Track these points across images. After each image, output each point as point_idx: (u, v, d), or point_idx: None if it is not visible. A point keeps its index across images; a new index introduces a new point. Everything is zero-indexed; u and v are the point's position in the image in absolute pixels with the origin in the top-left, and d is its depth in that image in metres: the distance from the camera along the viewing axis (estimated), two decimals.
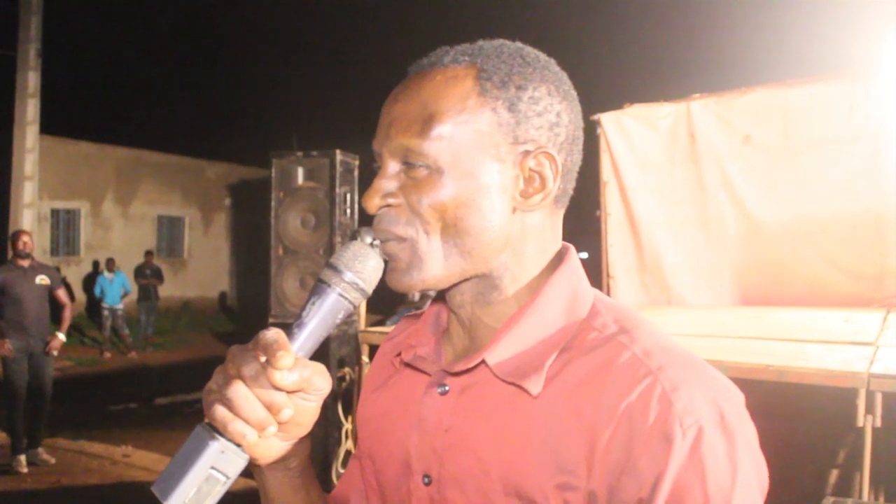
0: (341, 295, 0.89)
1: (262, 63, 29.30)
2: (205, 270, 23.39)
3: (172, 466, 0.83)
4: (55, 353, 7.28)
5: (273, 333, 0.84)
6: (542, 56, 1.01)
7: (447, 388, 0.99)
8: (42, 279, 7.24)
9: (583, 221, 7.61)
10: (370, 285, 0.92)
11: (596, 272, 7.33)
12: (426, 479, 0.99)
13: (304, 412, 0.89)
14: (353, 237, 0.95)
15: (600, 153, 7.16)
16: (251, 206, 21.12)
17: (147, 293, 17.49)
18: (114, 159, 21.25)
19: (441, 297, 1.07)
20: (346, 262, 0.91)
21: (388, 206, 0.96)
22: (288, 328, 0.88)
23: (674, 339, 0.95)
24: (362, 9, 29.41)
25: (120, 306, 16.58)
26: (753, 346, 4.20)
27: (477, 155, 0.93)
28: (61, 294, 7.46)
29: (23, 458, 7.08)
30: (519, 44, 1.01)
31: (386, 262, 0.97)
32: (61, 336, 7.27)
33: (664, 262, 6.99)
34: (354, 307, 0.91)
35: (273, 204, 5.64)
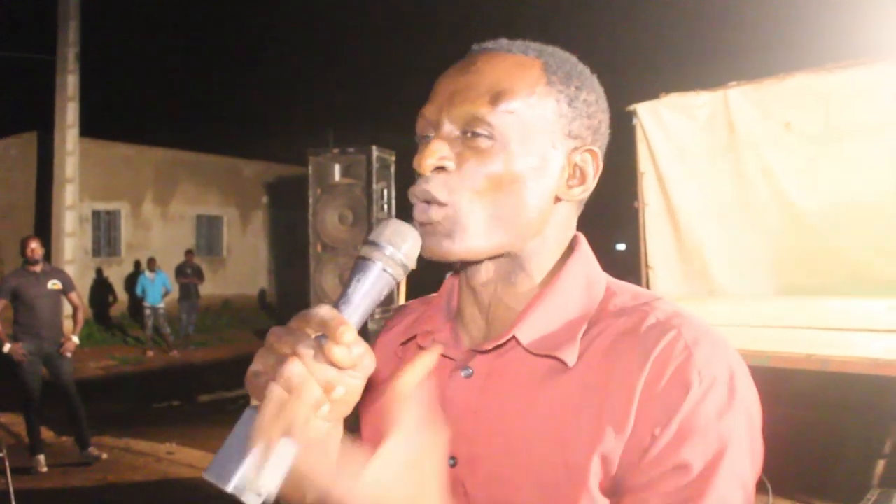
0: (384, 269, 0.89)
1: (297, 61, 29.46)
2: (244, 268, 23.58)
3: (227, 452, 0.80)
4: (69, 354, 7.39)
5: (328, 310, 0.82)
6: (588, 69, 1.07)
7: (471, 371, 1.03)
8: (54, 284, 7.38)
9: (620, 212, 7.57)
10: (411, 261, 0.93)
11: (634, 263, 7.28)
12: (451, 461, 1.00)
13: (352, 391, 0.85)
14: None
15: (637, 143, 7.10)
16: (289, 203, 21.22)
17: (188, 292, 17.64)
18: (152, 160, 21.49)
19: (457, 275, 1.11)
20: (387, 237, 0.91)
21: (442, 168, 0.98)
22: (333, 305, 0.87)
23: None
24: (397, 7, 29.46)
25: (161, 305, 16.74)
26: (796, 336, 4.15)
27: (538, 137, 0.98)
28: (74, 297, 7.61)
29: (41, 458, 7.19)
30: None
31: (423, 225, 0.98)
32: (75, 339, 7.44)
33: (704, 251, 6.92)
34: (397, 282, 0.92)
35: (311, 201, 5.66)
